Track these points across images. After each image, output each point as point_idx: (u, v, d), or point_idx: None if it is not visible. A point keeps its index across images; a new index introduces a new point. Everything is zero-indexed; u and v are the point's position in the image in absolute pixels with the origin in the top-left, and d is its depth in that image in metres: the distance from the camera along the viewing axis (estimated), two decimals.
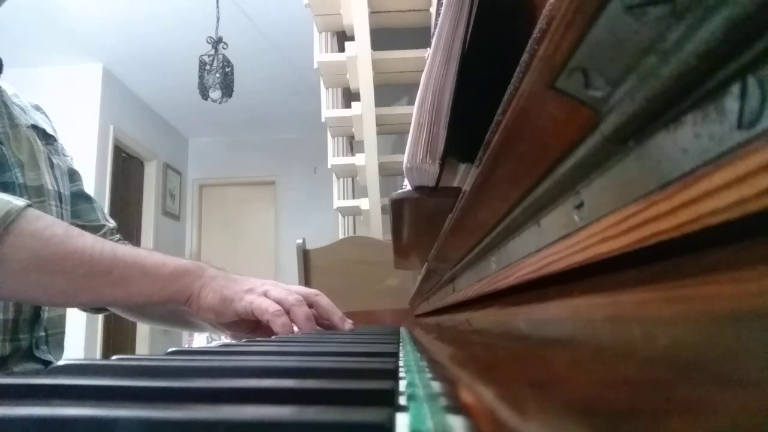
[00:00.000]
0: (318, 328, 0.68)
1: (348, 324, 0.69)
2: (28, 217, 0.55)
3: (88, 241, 0.58)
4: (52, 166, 0.77)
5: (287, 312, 0.63)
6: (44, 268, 0.55)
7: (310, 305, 0.67)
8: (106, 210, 1.57)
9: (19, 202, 0.55)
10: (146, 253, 0.63)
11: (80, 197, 0.85)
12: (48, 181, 0.73)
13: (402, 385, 0.23)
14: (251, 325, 0.68)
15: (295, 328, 0.64)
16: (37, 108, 0.84)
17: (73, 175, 0.85)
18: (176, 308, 0.80)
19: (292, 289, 0.67)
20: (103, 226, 0.86)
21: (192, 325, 0.87)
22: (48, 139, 0.79)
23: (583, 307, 0.17)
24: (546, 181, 0.19)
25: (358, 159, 1.99)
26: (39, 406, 0.15)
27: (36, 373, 0.26)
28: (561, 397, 0.13)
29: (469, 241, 0.37)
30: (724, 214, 0.10)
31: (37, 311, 0.69)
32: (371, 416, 0.13)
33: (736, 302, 0.09)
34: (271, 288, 0.66)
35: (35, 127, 0.76)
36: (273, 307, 0.62)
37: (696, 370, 0.09)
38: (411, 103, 2.04)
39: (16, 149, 0.69)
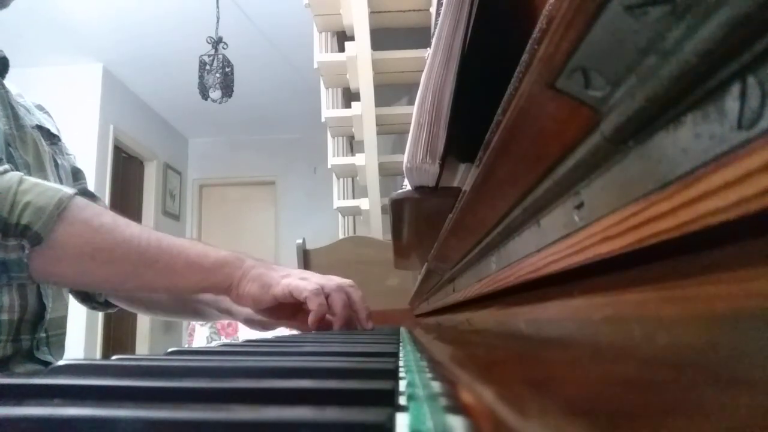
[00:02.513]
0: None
1: (370, 324, 0.70)
2: (79, 205, 0.56)
3: (135, 230, 0.60)
4: (56, 166, 0.77)
5: (326, 297, 0.65)
6: (95, 256, 0.57)
7: None
8: None
9: (68, 189, 0.56)
10: (189, 243, 0.65)
11: (85, 196, 0.85)
12: (53, 183, 0.73)
13: (402, 385, 0.23)
14: (289, 312, 0.70)
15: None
16: (40, 108, 0.84)
17: (76, 174, 0.85)
18: (190, 298, 0.81)
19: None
20: None
21: (201, 315, 0.88)
22: (52, 139, 0.79)
23: (583, 307, 0.17)
24: (546, 181, 0.19)
25: (358, 159, 1.99)
26: (39, 406, 0.15)
27: (36, 373, 0.26)
28: (561, 397, 0.13)
29: (469, 241, 0.37)
30: (724, 214, 0.10)
31: (41, 312, 0.69)
32: (371, 416, 0.13)
33: (736, 302, 0.09)
34: (309, 275, 0.68)
35: (40, 128, 0.76)
36: (312, 286, 0.64)
37: (696, 370, 0.09)
38: (411, 103, 2.04)
39: (23, 151, 0.69)
